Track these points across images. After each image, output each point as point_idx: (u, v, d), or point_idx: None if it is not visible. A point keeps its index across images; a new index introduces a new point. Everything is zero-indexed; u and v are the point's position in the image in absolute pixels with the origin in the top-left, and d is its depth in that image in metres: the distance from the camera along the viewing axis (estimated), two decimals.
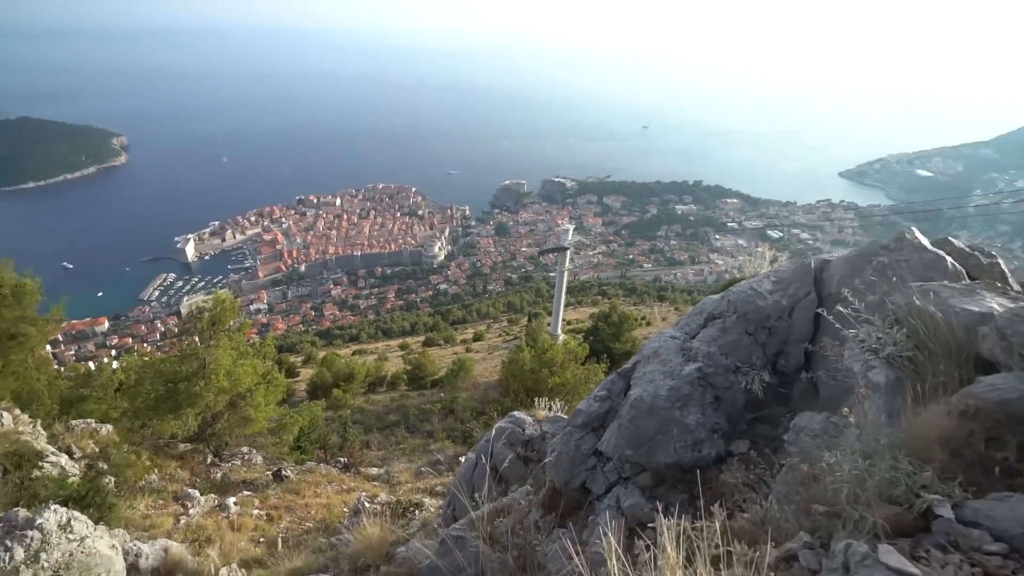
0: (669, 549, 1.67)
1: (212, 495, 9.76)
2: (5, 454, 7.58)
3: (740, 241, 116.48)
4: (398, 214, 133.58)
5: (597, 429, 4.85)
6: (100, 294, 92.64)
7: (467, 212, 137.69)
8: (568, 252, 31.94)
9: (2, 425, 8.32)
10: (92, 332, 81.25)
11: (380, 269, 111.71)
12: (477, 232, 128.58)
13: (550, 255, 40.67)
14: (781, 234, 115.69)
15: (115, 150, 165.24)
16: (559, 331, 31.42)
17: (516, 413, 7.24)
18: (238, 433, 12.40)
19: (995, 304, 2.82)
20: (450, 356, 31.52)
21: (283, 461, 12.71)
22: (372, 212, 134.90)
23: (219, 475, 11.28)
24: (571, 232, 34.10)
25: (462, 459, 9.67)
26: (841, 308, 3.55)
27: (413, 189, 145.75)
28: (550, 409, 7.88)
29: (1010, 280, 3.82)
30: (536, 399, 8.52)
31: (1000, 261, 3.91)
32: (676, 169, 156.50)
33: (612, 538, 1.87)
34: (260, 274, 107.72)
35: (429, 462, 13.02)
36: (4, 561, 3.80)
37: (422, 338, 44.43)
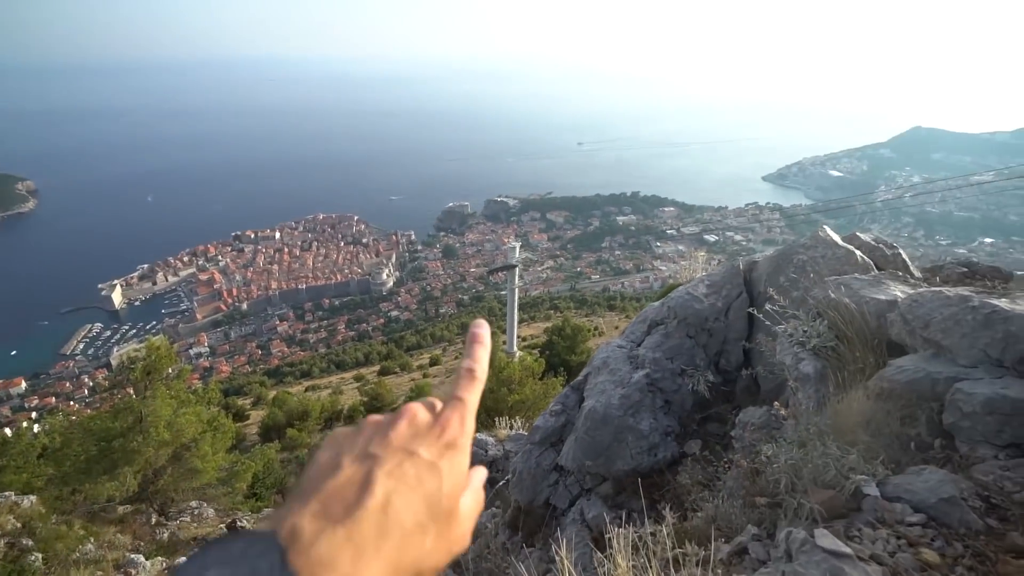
0: (619, 559, 1.73)
1: (159, 558, 9.05)
2: None
3: (680, 247, 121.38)
4: (342, 244, 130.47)
5: (556, 444, 4.90)
6: (14, 352, 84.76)
7: (412, 237, 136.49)
8: (517, 269, 32.29)
9: None
10: (6, 395, 73.95)
11: (328, 301, 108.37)
12: (424, 256, 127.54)
13: (500, 274, 40.89)
14: (717, 237, 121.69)
15: (21, 195, 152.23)
16: (515, 348, 31.53)
17: (478, 435, 7.21)
18: (184, 487, 11.59)
19: (898, 292, 3.13)
20: (408, 383, 30.91)
21: (238, 511, 11.97)
22: (315, 243, 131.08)
23: (166, 535, 10.48)
24: (518, 249, 34.51)
25: None
26: (769, 306, 3.81)
27: (356, 217, 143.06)
28: (511, 427, 7.88)
29: (911, 268, 4.22)
30: (496, 418, 8.49)
31: (901, 251, 4.32)
32: (614, 181, 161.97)
33: (564, 555, 1.92)
34: (198, 316, 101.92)
35: None
36: None
37: (377, 367, 43.35)
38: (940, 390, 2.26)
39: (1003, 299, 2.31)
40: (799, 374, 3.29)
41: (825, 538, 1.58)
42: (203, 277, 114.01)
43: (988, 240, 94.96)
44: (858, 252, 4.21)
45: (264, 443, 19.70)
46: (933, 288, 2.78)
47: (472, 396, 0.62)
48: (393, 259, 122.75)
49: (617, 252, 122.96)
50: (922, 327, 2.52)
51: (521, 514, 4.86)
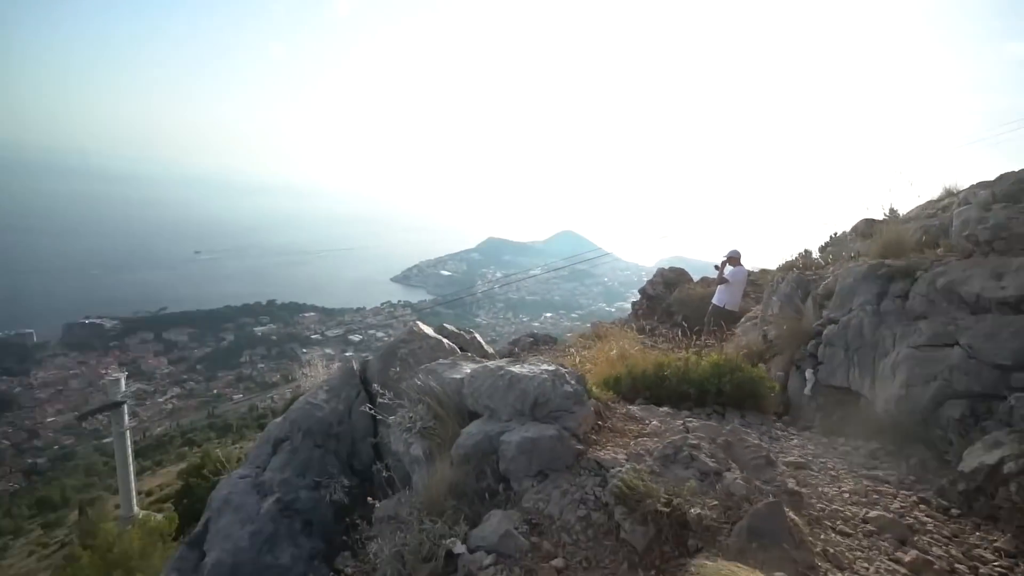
0: None
1: None
2: None
3: (328, 350, 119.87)
4: None
5: None
6: None
7: None
8: (124, 407, 25.22)
9: None
10: None
11: None
12: None
13: (98, 416, 31.05)
14: (361, 336, 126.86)
15: None
16: (134, 509, 23.91)
17: None
18: None
19: (468, 369, 4.00)
20: None
21: None
22: None
23: None
24: (123, 381, 27.02)
25: None
26: (380, 399, 4.20)
27: None
28: None
29: (484, 348, 5.46)
30: None
31: (477, 336, 5.55)
32: (246, 291, 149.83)
33: None
34: None
35: None
36: None
37: None
38: (495, 444, 2.97)
39: (516, 365, 3.30)
40: (411, 458, 3.68)
41: None
42: None
43: (548, 314, 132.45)
44: (445, 340, 5.16)
45: None
46: (485, 363, 3.69)
47: None
48: None
49: (260, 365, 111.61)
50: (478, 396, 3.28)
51: None
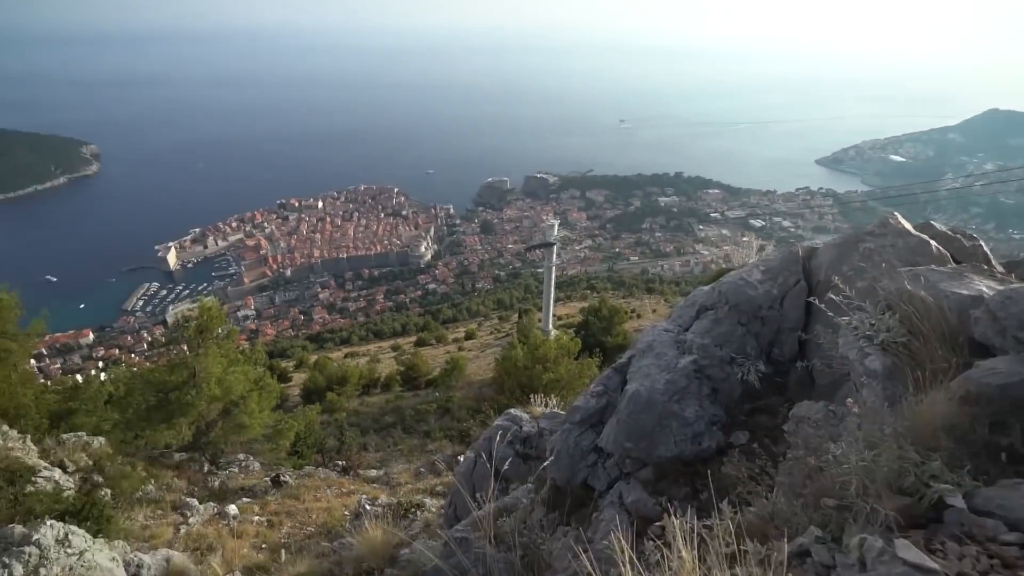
0: (684, 553, 1.67)
1: (211, 503, 9.66)
2: None
3: (724, 231, 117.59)
4: (382, 215, 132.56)
5: (595, 425, 4.87)
6: (82, 306, 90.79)
7: (451, 211, 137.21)
8: (555, 248, 32.03)
9: None
10: (77, 344, 79.68)
11: (367, 271, 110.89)
12: (462, 231, 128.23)
13: (537, 251, 40.66)
14: (763, 223, 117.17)
15: (86, 159, 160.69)
16: (550, 327, 31.53)
17: (513, 411, 7.25)
18: (233, 440, 12.27)
19: (984, 287, 2.89)
20: (443, 355, 31.48)
21: (281, 467, 12.61)
22: (355, 214, 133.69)
23: (217, 483, 11.17)
24: (556, 227, 34.18)
25: (461, 458, 9.67)
26: (832, 295, 3.60)
27: (396, 189, 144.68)
28: (546, 405, 7.91)
29: (993, 262, 3.91)
30: (531, 396, 8.54)
31: (982, 243, 4.00)
32: (656, 161, 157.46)
33: (623, 540, 1.87)
34: (246, 280, 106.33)
35: (428, 462, 12.99)
36: None
37: (414, 338, 44.26)
38: None
39: None
40: (865, 369, 3.11)
41: (907, 550, 1.47)
42: (250, 243, 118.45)
43: None
44: (933, 242, 3.92)
45: (306, 404, 20.57)
46: (1015, 284, 2.55)
47: None
48: (432, 232, 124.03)
49: (658, 234, 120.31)
50: (1017, 327, 2.32)
51: (558, 493, 4.88)
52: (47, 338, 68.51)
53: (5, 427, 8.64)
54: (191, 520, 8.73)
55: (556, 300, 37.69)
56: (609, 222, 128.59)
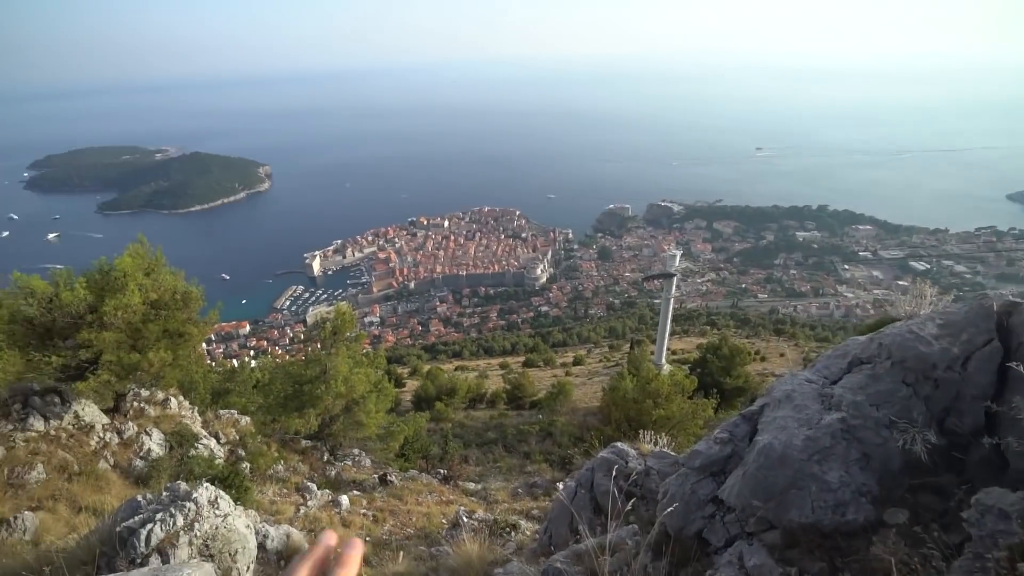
0: None
1: (327, 490, 10.48)
2: (172, 433, 8.76)
3: (876, 272, 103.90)
4: (502, 236, 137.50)
5: (716, 474, 4.47)
6: (244, 301, 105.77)
7: (570, 235, 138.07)
8: (675, 279, 30.62)
9: (171, 408, 9.65)
10: (237, 334, 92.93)
11: (484, 289, 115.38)
12: (579, 255, 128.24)
13: (655, 281, 39.24)
14: (928, 265, 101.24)
15: (261, 177, 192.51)
16: (663, 360, 30.04)
17: (619, 444, 6.94)
18: (351, 436, 13.28)
19: None
20: (549, 378, 31.42)
21: (388, 466, 13.35)
22: (478, 234, 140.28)
23: (333, 473, 12.11)
24: (678, 258, 32.72)
25: (560, 485, 9.45)
26: None
27: (517, 212, 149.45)
28: (655, 443, 7.47)
29: None
30: (640, 431, 8.13)
31: None
32: (796, 192, 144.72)
33: None
34: (374, 289, 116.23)
35: (526, 483, 12.91)
36: (170, 525, 4.34)
37: (522, 358, 44.82)
38: None
39: None
40: None
41: None
42: (381, 256, 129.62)
43: None
44: None
45: (416, 411, 21.67)
46: None
47: None
48: (549, 255, 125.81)
49: (792, 271, 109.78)
50: None
51: (667, 540, 4.53)
52: (216, 326, 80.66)
53: (181, 398, 10.19)
54: (310, 503, 9.52)
55: (672, 333, 35.89)
56: (736, 255, 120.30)
